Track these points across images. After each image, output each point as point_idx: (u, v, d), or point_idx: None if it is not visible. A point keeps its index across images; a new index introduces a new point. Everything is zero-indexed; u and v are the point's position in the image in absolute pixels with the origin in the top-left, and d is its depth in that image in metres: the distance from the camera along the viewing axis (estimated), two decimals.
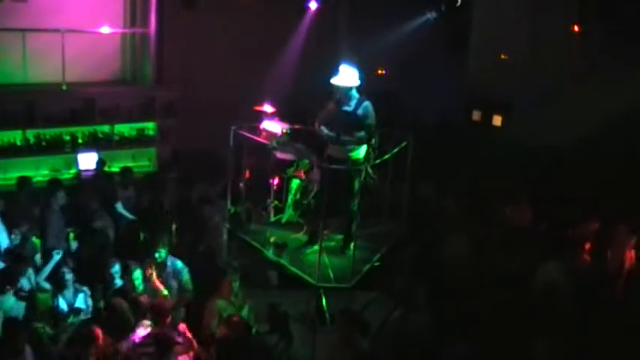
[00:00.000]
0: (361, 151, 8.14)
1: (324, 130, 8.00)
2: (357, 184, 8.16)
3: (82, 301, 7.77)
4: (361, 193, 8.24)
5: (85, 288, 7.88)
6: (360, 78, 8.02)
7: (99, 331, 6.49)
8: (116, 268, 8.21)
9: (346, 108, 7.96)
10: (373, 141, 8.10)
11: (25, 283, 7.64)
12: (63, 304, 7.63)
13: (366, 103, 8.00)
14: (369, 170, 8.27)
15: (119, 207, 10.13)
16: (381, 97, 8.38)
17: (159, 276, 7.78)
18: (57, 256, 8.14)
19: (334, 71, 7.97)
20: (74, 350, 6.45)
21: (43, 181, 10.80)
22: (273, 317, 7.68)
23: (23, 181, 10.10)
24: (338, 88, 7.95)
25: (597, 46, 10.91)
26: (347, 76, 7.94)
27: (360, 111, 7.95)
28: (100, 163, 11.22)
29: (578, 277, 8.33)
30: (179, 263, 8.07)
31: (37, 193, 9.90)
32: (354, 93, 8.00)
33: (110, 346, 6.59)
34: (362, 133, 7.93)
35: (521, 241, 9.26)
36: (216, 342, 6.93)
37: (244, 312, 7.87)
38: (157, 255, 7.88)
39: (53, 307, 7.65)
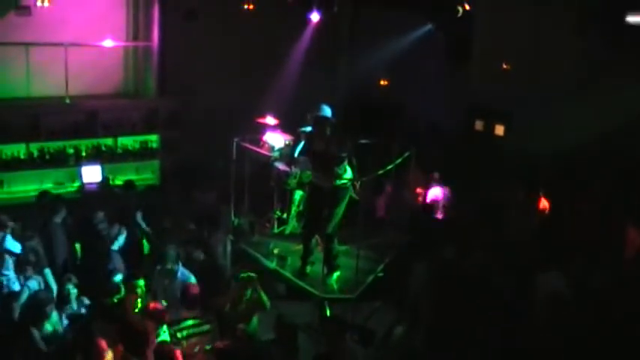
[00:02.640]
0: (347, 175, 8.19)
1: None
2: (342, 206, 8.20)
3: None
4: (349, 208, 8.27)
5: (87, 301, 7.87)
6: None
7: (104, 343, 6.44)
8: (118, 277, 8.22)
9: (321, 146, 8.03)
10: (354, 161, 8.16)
11: None
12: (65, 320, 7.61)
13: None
14: (352, 192, 8.29)
15: (138, 217, 10.06)
16: (383, 107, 8.39)
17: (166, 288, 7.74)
18: None
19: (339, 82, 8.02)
20: None
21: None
22: (280, 328, 7.64)
23: (43, 194, 10.14)
24: (327, 119, 7.98)
25: (598, 55, 10.92)
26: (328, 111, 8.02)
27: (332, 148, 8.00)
28: (105, 179, 11.24)
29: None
30: (190, 276, 8.05)
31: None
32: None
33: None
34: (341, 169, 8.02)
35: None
36: (217, 352, 6.88)
37: (254, 321, 7.82)
38: (168, 266, 7.86)
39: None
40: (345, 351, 6.91)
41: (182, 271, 8.02)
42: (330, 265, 8.36)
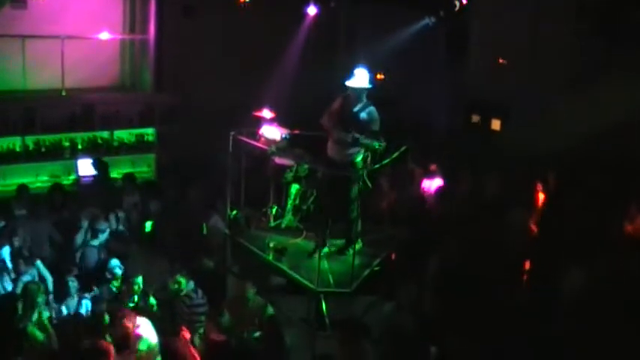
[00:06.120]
0: (360, 155, 8.16)
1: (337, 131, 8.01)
2: (355, 190, 8.17)
3: (84, 309, 7.80)
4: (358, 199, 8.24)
5: (87, 295, 7.87)
6: (371, 82, 8.05)
7: (110, 346, 6.38)
8: (113, 263, 8.27)
9: (352, 109, 7.97)
10: (377, 145, 8.09)
11: None
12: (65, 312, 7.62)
13: (371, 108, 8.03)
14: (367, 180, 8.26)
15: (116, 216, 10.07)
16: (380, 101, 8.37)
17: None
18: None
19: (336, 76, 8.00)
20: None
21: (43, 188, 10.82)
22: (261, 322, 7.60)
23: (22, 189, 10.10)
24: (353, 90, 7.96)
25: (595, 51, 10.91)
26: (361, 79, 7.97)
27: (364, 115, 7.97)
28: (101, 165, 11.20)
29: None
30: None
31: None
32: (364, 97, 8.02)
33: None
34: (362, 137, 7.95)
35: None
36: (211, 344, 6.84)
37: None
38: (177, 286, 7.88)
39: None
40: (357, 355, 6.85)
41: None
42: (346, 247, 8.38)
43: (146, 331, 7.05)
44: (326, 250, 8.33)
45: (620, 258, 8.48)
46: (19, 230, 8.75)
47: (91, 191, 11.00)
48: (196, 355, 6.64)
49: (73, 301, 7.86)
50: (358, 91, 7.97)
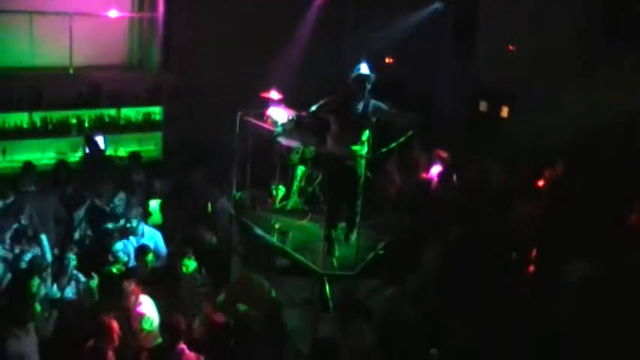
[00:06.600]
0: (364, 149, 8.14)
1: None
2: (360, 178, 8.13)
3: (69, 290, 7.70)
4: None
5: (79, 275, 7.81)
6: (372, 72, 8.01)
7: (114, 323, 6.36)
8: (117, 246, 8.25)
9: (357, 109, 7.92)
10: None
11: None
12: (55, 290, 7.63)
13: (374, 102, 7.99)
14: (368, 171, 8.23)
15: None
16: (388, 86, 8.34)
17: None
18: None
19: (344, 58, 7.95)
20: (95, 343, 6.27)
21: (49, 165, 10.83)
22: (262, 304, 7.57)
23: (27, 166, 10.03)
24: (368, 78, 7.88)
25: (605, 39, 10.87)
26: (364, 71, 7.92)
27: (369, 110, 7.94)
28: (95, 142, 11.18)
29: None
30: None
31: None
32: (367, 91, 7.97)
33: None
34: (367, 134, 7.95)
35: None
36: (212, 325, 6.85)
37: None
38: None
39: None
40: (355, 335, 6.88)
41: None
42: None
43: (149, 309, 7.09)
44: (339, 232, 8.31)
45: (624, 250, 8.50)
46: (26, 207, 8.70)
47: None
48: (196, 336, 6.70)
49: (64, 280, 7.79)
50: (370, 79, 7.90)
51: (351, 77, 7.94)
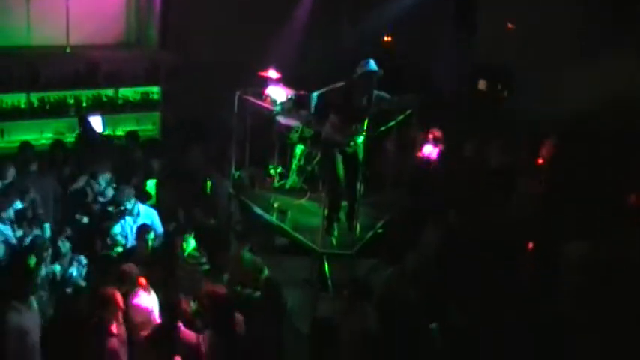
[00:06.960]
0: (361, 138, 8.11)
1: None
2: (359, 162, 8.13)
3: (75, 270, 7.68)
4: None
5: (81, 257, 7.78)
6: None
7: (117, 294, 6.28)
8: (115, 230, 8.23)
9: (361, 102, 7.86)
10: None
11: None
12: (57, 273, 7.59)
13: (376, 93, 7.91)
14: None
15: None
16: (387, 66, 8.25)
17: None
18: None
19: (343, 37, 7.87)
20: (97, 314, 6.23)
21: (47, 145, 10.79)
22: (257, 282, 7.47)
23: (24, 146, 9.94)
24: (376, 74, 7.77)
25: (606, 18, 10.82)
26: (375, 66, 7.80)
27: (373, 100, 7.89)
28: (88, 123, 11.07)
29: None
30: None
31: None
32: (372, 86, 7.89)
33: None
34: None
35: None
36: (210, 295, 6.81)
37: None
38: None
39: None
40: (359, 316, 6.86)
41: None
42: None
43: (146, 301, 6.97)
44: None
45: (624, 231, 8.49)
46: (30, 188, 8.64)
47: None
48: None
49: (65, 261, 7.74)
50: (379, 75, 7.81)
51: (358, 73, 7.73)
